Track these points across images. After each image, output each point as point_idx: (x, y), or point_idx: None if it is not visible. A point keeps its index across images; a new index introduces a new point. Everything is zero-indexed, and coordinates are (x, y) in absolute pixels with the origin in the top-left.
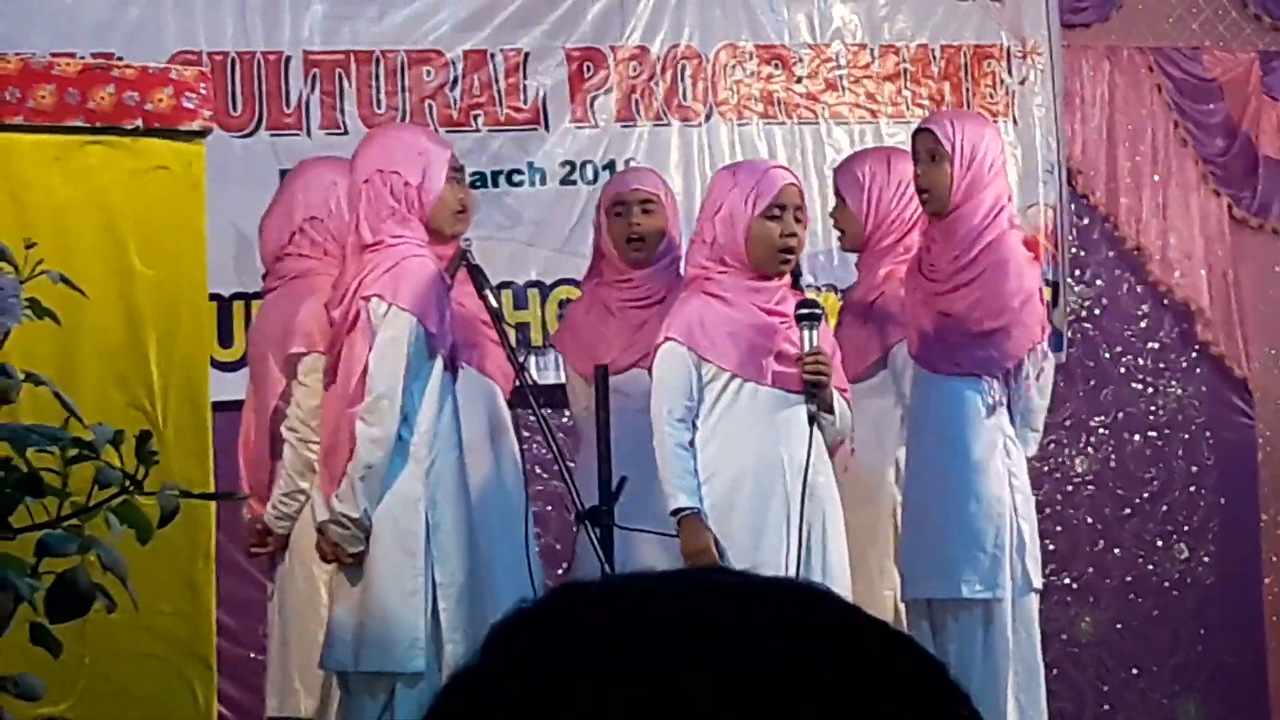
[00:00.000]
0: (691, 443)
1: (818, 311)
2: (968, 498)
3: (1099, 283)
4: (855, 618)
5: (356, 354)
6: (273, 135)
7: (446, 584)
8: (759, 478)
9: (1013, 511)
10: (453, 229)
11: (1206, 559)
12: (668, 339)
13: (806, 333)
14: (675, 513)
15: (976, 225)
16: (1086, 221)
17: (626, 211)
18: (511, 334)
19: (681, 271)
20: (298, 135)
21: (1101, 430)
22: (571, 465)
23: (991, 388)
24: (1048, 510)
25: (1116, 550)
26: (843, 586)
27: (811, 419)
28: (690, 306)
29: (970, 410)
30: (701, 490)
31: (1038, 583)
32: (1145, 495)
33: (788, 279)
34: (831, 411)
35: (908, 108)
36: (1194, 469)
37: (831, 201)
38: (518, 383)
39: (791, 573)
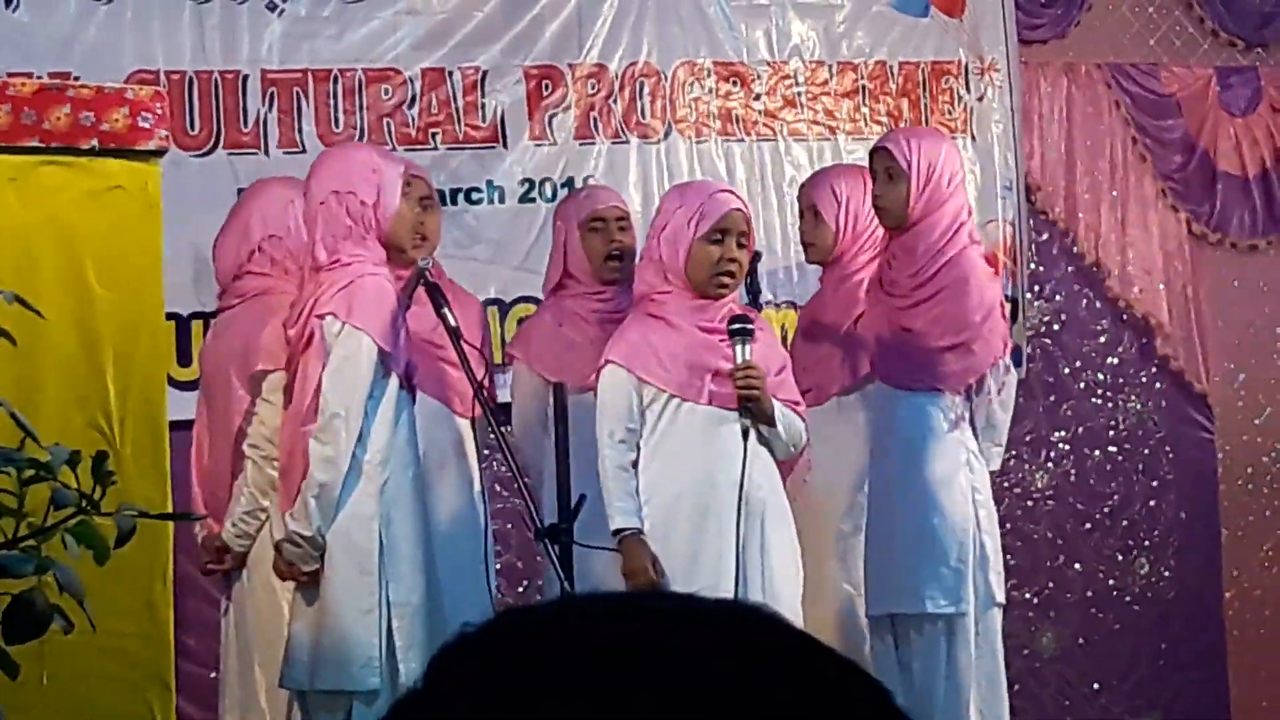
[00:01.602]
0: (634, 464)
1: (749, 326)
2: (931, 513)
3: (1058, 298)
4: (802, 641)
5: (310, 373)
6: (231, 154)
7: (401, 603)
8: (697, 497)
9: (976, 527)
10: (413, 252)
11: (1167, 574)
12: (609, 362)
13: (739, 348)
14: (616, 533)
15: (935, 242)
16: (1045, 237)
17: (605, 228)
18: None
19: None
20: (256, 154)
21: (1062, 445)
22: (528, 480)
23: (954, 403)
24: (1008, 525)
25: (1077, 565)
26: (787, 601)
27: (745, 433)
28: (633, 329)
29: (933, 425)
30: (643, 511)
31: (1000, 597)
32: (1106, 510)
33: (733, 297)
34: (772, 424)
35: (866, 124)
36: (1154, 484)
37: (792, 218)
38: (476, 403)
39: (731, 589)
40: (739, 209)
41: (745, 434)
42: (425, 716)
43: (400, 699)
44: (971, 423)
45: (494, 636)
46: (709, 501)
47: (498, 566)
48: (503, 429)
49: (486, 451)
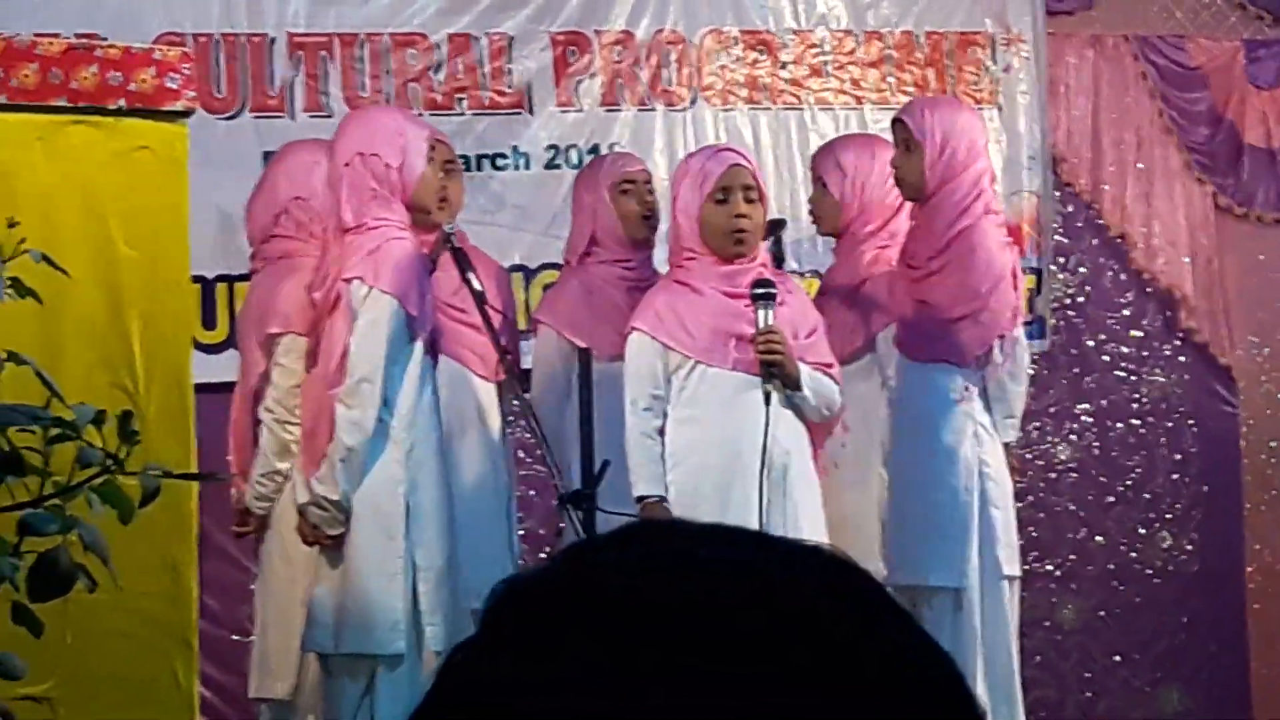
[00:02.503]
0: (660, 430)
1: (772, 290)
2: (935, 486)
3: (1083, 270)
4: (841, 597)
5: (337, 337)
6: (256, 117)
7: (426, 567)
8: (723, 463)
9: (983, 500)
10: (436, 215)
11: (1190, 547)
12: (634, 329)
13: (761, 312)
14: (638, 500)
15: (950, 214)
16: (1071, 209)
17: (636, 189)
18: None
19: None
20: (281, 117)
21: (1085, 418)
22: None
23: (962, 375)
24: (1031, 498)
25: (1100, 538)
26: None
27: (767, 398)
28: (658, 296)
29: (941, 397)
30: (668, 477)
31: (1010, 570)
32: (1129, 483)
33: (761, 259)
34: (798, 388)
35: (892, 94)
36: (1177, 457)
37: (812, 186)
38: (501, 367)
39: None
40: (740, 164)
41: (767, 398)
42: (470, 667)
43: (458, 643)
44: (984, 395)
45: (545, 584)
46: (734, 467)
47: (521, 532)
48: (527, 394)
49: (510, 417)
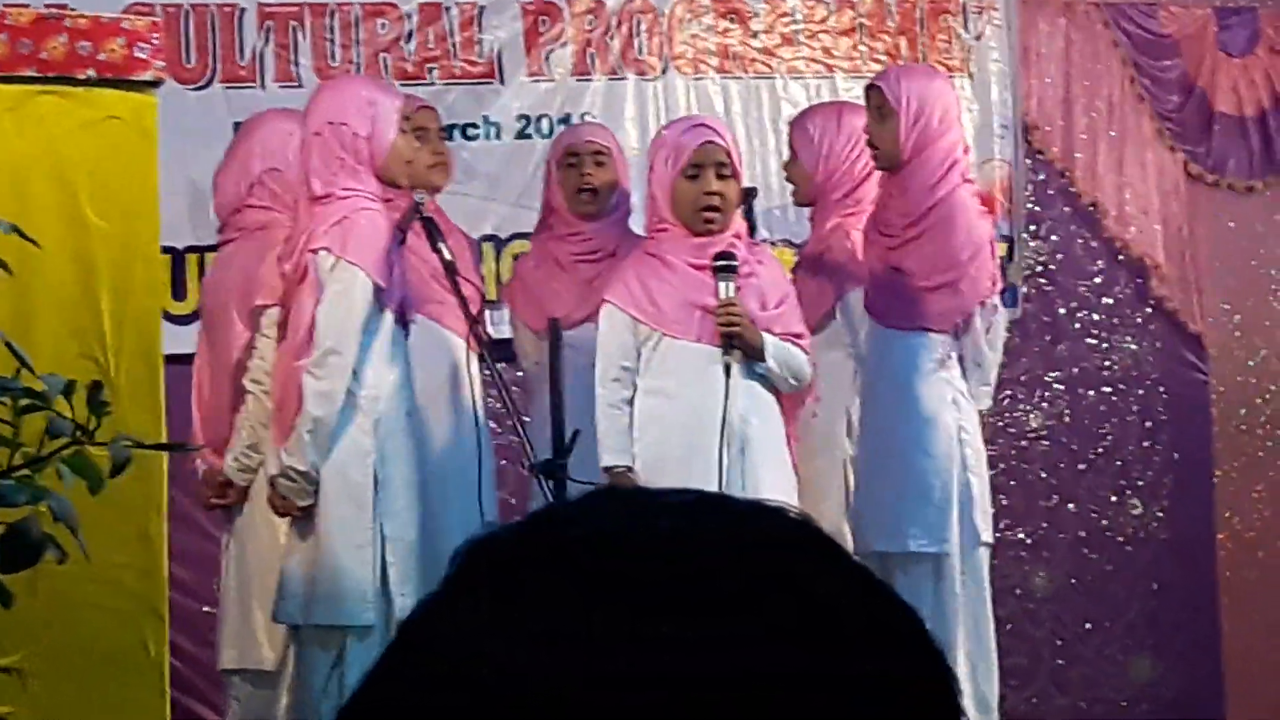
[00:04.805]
0: (629, 401)
1: (733, 263)
2: (916, 452)
3: (1054, 238)
4: (809, 557)
5: (304, 308)
6: (226, 88)
7: (395, 538)
8: (685, 433)
9: (962, 466)
10: (421, 181)
11: (1160, 514)
12: (605, 301)
13: (722, 284)
14: (605, 470)
15: (927, 181)
16: (1042, 177)
17: (579, 163)
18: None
19: (631, 226)
20: (252, 88)
21: (1056, 385)
22: (526, 420)
23: (941, 342)
24: (1002, 465)
25: (1071, 505)
26: None
27: (727, 369)
28: (630, 268)
29: (920, 364)
30: (635, 447)
31: (987, 537)
32: (1100, 450)
33: (734, 230)
34: (761, 359)
35: (864, 63)
36: (1148, 424)
37: (786, 156)
38: (471, 337)
39: None
40: (712, 140)
41: (727, 370)
42: (439, 616)
43: (426, 595)
44: (961, 362)
45: (509, 542)
46: (697, 438)
47: (495, 500)
48: (497, 365)
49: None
